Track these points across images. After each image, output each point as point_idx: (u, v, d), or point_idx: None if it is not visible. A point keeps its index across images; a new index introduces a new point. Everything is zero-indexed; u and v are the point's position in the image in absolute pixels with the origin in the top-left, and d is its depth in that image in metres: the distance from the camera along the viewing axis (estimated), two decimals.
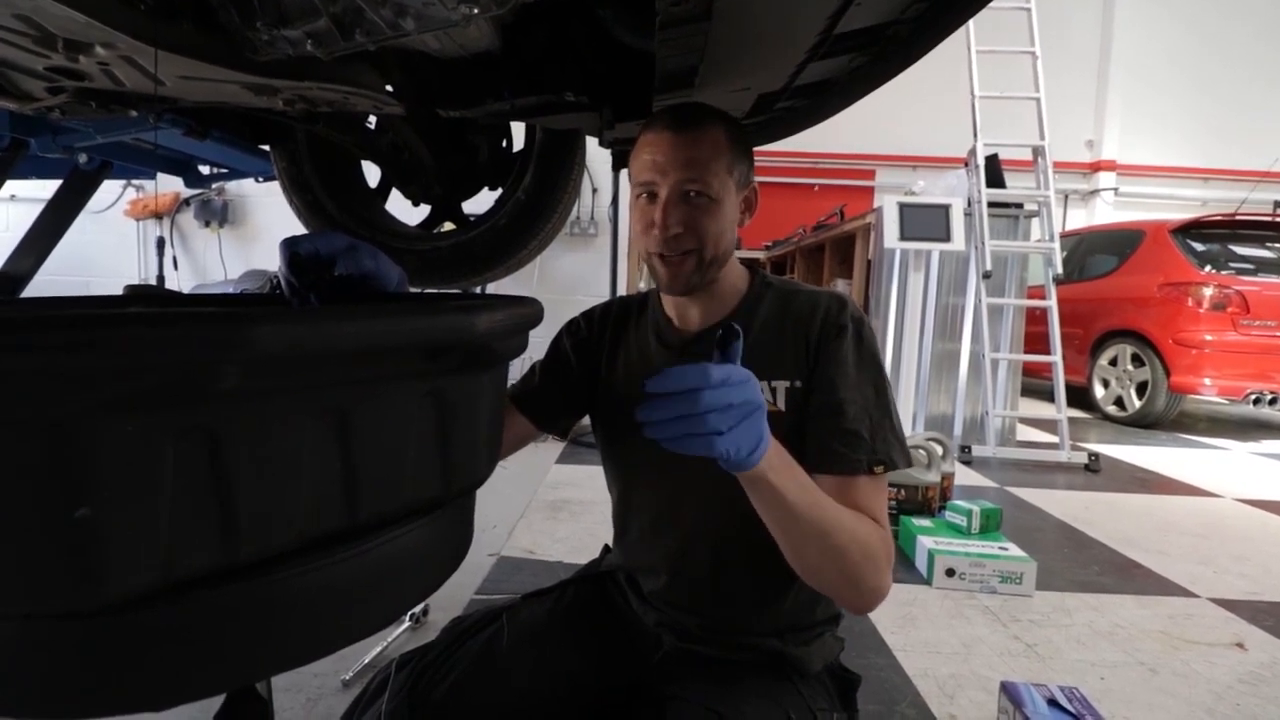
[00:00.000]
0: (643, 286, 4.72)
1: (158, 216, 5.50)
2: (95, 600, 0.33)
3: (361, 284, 0.66)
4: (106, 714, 0.36)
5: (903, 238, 3.23)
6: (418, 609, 1.48)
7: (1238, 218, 4.40)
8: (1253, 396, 4.03)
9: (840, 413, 0.74)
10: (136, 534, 0.33)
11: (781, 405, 0.78)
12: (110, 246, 5.43)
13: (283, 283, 0.65)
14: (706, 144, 0.77)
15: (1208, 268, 4.19)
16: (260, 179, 2.24)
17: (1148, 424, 4.38)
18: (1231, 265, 4.23)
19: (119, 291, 0.74)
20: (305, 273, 0.63)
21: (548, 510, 2.33)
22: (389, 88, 1.09)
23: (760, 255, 6.24)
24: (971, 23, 3.43)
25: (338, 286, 0.65)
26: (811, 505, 0.64)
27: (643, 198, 0.79)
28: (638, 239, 0.82)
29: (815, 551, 0.66)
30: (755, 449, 0.57)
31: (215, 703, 0.50)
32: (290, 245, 0.63)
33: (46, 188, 1.88)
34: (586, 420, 0.95)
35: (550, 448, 3.21)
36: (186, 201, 5.47)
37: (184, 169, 2.14)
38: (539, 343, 0.81)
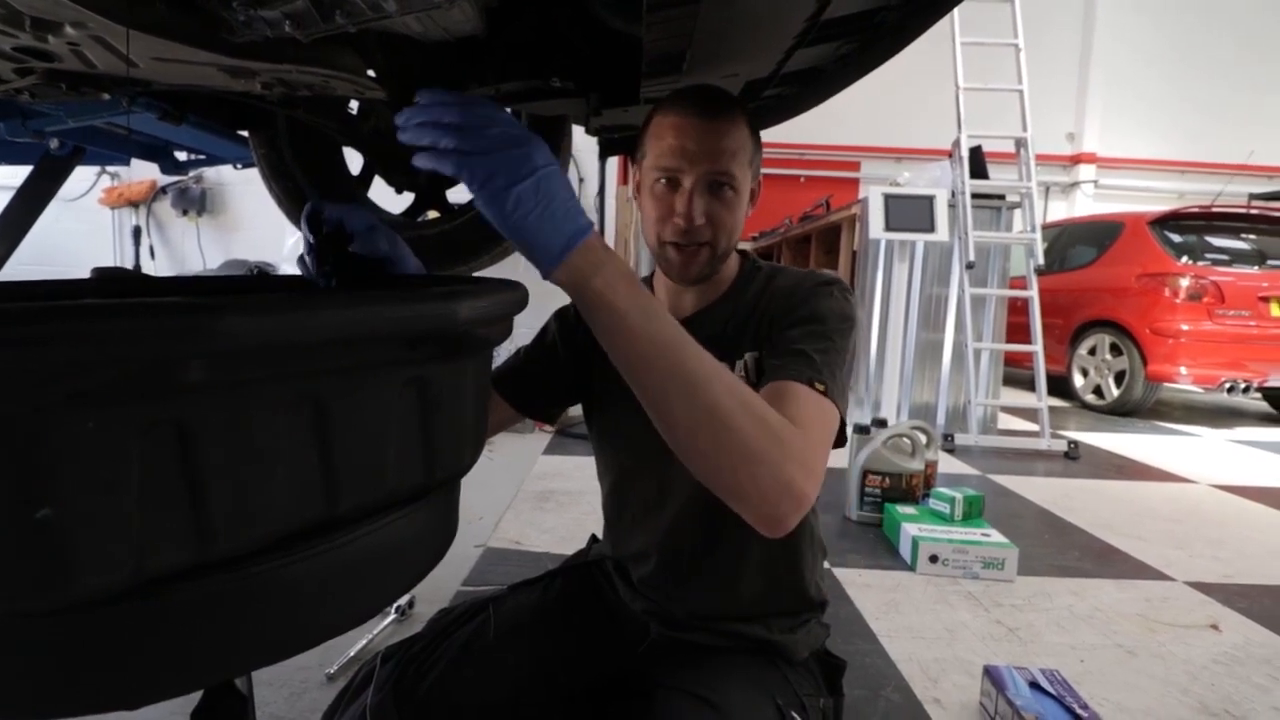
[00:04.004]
0: None
1: (133, 205, 5.39)
2: (62, 599, 0.32)
3: (377, 266, 0.65)
4: (80, 713, 0.35)
5: (888, 228, 3.25)
6: (403, 601, 1.47)
7: (1214, 210, 4.48)
8: (1227, 385, 4.12)
9: (791, 340, 0.72)
10: (103, 532, 0.32)
11: (754, 377, 0.77)
12: (84, 235, 5.31)
13: (302, 244, 0.65)
14: (736, 134, 0.75)
15: (1184, 259, 4.26)
16: (238, 165, 2.19)
17: (1125, 412, 4.46)
18: (1207, 256, 4.30)
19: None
20: (322, 236, 0.63)
21: (535, 501, 2.32)
22: (371, 72, 1.07)
23: (748, 246, 6.25)
24: (956, 14, 3.44)
25: (354, 265, 0.64)
26: (670, 343, 0.54)
27: (661, 183, 0.76)
28: (650, 225, 0.79)
29: (683, 409, 0.55)
30: (504, 188, 0.48)
31: (193, 699, 0.49)
32: (314, 207, 0.62)
33: (16, 174, 1.83)
34: (574, 410, 0.95)
35: (538, 439, 3.20)
36: (163, 189, 5.36)
37: (160, 155, 2.08)
38: (524, 329, 0.81)
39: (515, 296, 0.49)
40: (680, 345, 0.55)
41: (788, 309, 0.76)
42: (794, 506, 0.58)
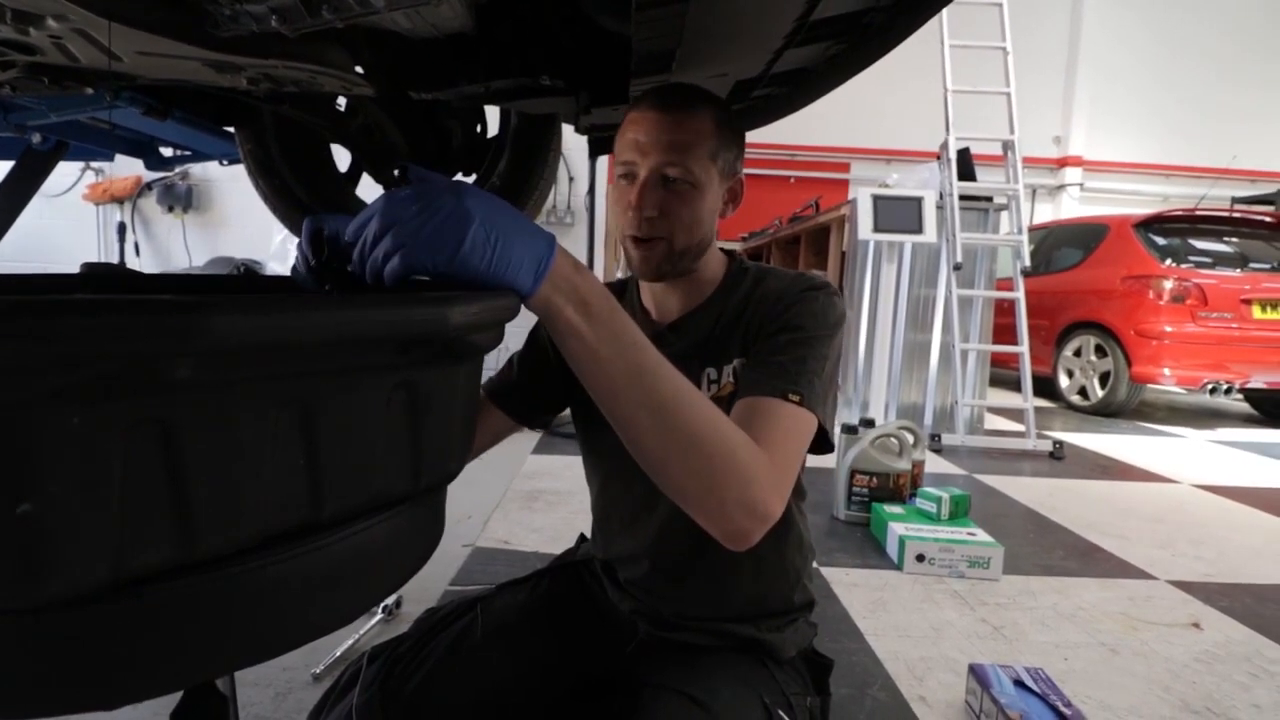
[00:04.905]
0: (619, 275, 4.70)
1: (118, 201, 5.32)
2: (40, 597, 0.32)
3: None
4: (58, 713, 0.34)
5: (876, 229, 3.27)
6: (391, 600, 1.46)
7: (1197, 213, 4.54)
8: (1209, 386, 4.17)
9: (771, 349, 0.72)
10: (85, 530, 0.32)
11: (735, 382, 0.77)
12: (68, 231, 5.24)
13: (299, 260, 0.60)
14: (691, 127, 0.74)
15: (1168, 261, 4.31)
16: (224, 162, 2.17)
17: (1110, 413, 4.51)
18: (1191, 259, 4.36)
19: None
20: (322, 253, 0.58)
21: (523, 500, 2.31)
22: (359, 68, 1.06)
23: (737, 246, 6.27)
24: (945, 17, 3.46)
25: (355, 280, 0.62)
26: (641, 370, 0.54)
27: (622, 178, 0.77)
28: (616, 220, 0.80)
29: (652, 436, 0.56)
30: (453, 252, 0.46)
31: (173, 699, 0.48)
32: (314, 221, 0.59)
33: None
34: (565, 410, 0.94)
35: (527, 438, 3.19)
36: (149, 185, 5.30)
37: (144, 150, 2.06)
38: (515, 335, 0.80)
39: (507, 303, 0.49)
40: (651, 372, 0.54)
41: (773, 315, 0.76)
42: (758, 526, 0.60)
